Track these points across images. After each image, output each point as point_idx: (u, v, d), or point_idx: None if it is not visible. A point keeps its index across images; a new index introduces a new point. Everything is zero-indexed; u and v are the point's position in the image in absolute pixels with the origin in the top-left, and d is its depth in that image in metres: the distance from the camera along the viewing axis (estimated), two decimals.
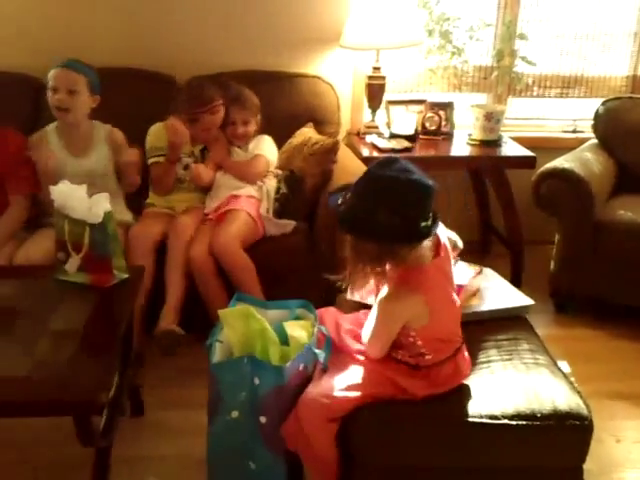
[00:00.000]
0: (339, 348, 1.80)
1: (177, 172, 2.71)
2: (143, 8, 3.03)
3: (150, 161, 2.71)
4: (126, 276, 1.96)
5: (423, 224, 1.54)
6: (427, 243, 1.61)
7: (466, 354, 1.76)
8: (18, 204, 2.48)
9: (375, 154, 2.96)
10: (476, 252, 3.44)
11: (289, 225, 2.64)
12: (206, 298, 2.46)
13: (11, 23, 2.98)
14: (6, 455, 2.04)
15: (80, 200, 1.89)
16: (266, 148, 2.81)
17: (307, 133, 2.92)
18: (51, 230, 2.10)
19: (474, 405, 1.65)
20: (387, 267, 1.63)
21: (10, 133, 2.53)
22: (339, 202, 1.61)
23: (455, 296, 1.72)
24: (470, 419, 1.61)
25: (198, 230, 2.56)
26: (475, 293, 2.06)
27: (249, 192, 2.68)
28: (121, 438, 1.91)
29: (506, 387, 1.71)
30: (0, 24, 2.98)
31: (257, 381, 1.62)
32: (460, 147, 3.12)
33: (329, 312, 1.93)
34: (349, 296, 1.96)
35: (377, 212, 1.52)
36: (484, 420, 1.61)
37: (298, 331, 1.79)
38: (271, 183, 2.75)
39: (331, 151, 2.74)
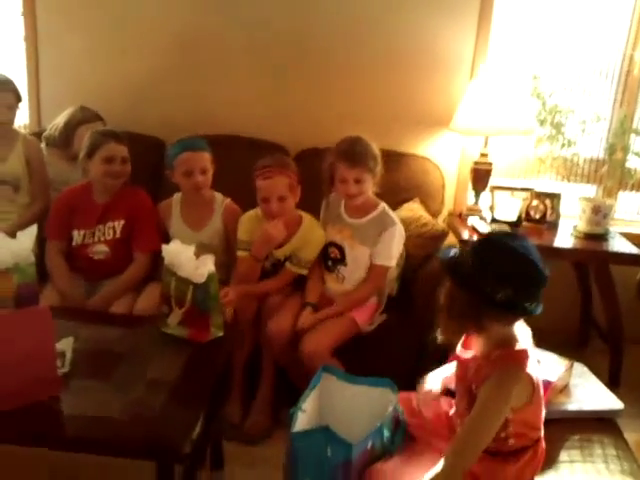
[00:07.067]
0: (413, 434, 1.82)
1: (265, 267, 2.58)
2: (266, 89, 3.32)
3: (237, 254, 2.57)
4: (221, 334, 2.05)
5: (526, 304, 1.55)
6: (519, 330, 1.62)
7: (543, 445, 1.71)
8: (140, 261, 2.62)
9: (475, 237, 2.96)
10: (573, 344, 3.36)
11: (381, 318, 2.61)
12: (288, 368, 2.51)
13: (147, 92, 3.35)
14: None
15: (188, 260, 2.01)
16: (395, 247, 2.51)
17: (416, 210, 2.90)
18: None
19: None
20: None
21: (141, 193, 2.68)
22: (452, 254, 1.65)
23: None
24: None
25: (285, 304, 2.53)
26: (562, 390, 2.01)
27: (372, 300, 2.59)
28: None
29: None
30: (137, 92, 3.35)
31: (329, 452, 1.66)
32: (564, 238, 3.07)
33: (410, 397, 1.91)
34: (424, 388, 1.91)
35: (485, 271, 1.53)
36: None
37: None
38: (389, 284, 2.65)
39: (439, 239, 2.70)
